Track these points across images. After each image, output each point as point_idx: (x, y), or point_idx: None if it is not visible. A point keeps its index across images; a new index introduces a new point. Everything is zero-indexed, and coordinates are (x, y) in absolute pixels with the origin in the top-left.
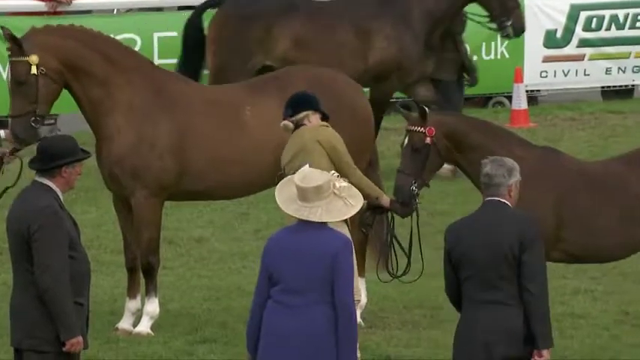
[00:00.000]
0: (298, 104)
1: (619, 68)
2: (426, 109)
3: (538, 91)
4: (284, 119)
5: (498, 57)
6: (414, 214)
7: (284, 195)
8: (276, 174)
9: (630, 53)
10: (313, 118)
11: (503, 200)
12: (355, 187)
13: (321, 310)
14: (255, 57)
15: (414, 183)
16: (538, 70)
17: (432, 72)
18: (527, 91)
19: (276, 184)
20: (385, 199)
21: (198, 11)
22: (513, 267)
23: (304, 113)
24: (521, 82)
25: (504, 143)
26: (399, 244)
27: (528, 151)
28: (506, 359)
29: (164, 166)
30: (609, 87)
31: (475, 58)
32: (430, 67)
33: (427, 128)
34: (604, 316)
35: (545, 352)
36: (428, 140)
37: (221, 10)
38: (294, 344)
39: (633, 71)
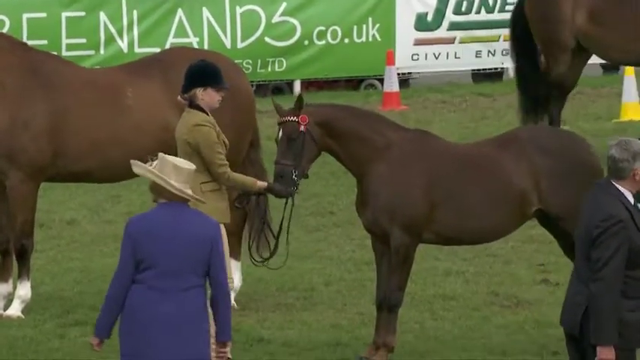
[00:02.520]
0: (189, 80)
1: (489, 51)
2: (302, 98)
3: (409, 73)
4: (179, 94)
5: (370, 40)
6: (290, 202)
7: (164, 173)
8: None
9: (500, 36)
10: (204, 95)
11: (615, 183)
12: (229, 185)
13: (196, 292)
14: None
15: (294, 172)
16: (409, 53)
17: None
18: (398, 74)
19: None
20: (261, 184)
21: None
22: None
23: (192, 92)
24: (393, 64)
25: (376, 127)
26: (271, 230)
27: (400, 134)
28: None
29: (39, 147)
30: (479, 70)
31: (346, 41)
32: None
33: (300, 117)
34: (475, 297)
35: (599, 349)
36: (302, 128)
37: None
38: (171, 328)
39: (503, 54)
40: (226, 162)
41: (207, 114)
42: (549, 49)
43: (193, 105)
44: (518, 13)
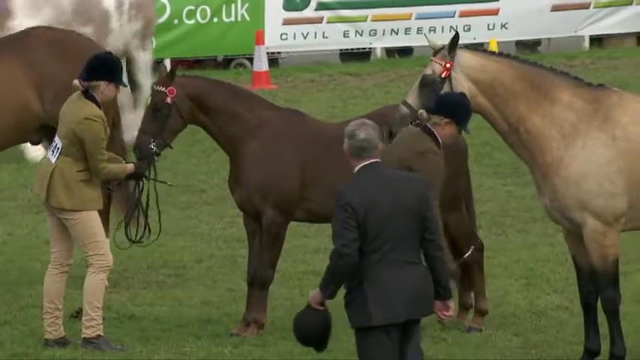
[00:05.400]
0: (93, 71)
1: (356, 31)
2: (175, 70)
3: (279, 53)
4: (78, 78)
5: (239, 19)
6: (153, 174)
7: None
8: (18, 135)
9: (367, 17)
10: (107, 90)
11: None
12: (106, 178)
13: None
14: None
15: (153, 142)
16: (278, 32)
17: None
18: (267, 53)
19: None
20: (130, 167)
21: None
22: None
23: (96, 83)
24: (262, 44)
25: (248, 105)
26: (142, 209)
27: (272, 113)
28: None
29: None
30: (347, 50)
31: (215, 20)
32: None
33: (168, 88)
34: None
35: (448, 303)
36: (168, 100)
37: None
38: None
39: (370, 34)
40: (106, 157)
41: (100, 107)
42: None
43: (88, 95)
44: None
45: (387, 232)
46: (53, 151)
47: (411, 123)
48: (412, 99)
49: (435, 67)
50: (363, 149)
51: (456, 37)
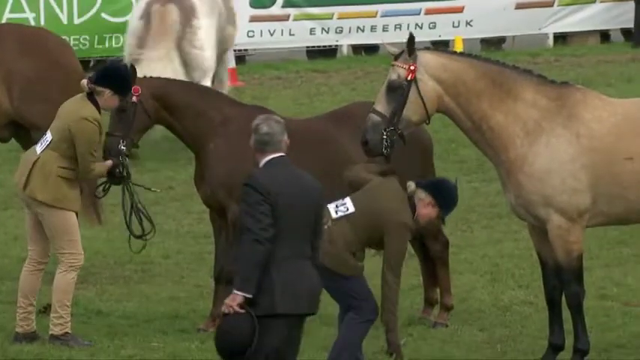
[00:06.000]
0: (104, 77)
1: (323, 29)
2: (136, 69)
3: (245, 50)
4: (87, 79)
5: None
6: (126, 174)
7: None
8: None
9: (333, 14)
10: (110, 99)
11: (276, 156)
12: (92, 178)
13: None
14: None
15: (122, 142)
16: (245, 29)
17: None
18: (234, 50)
19: None
20: (108, 163)
21: None
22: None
23: (102, 89)
24: None
25: (214, 102)
26: (142, 212)
27: (238, 110)
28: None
29: None
30: (314, 47)
31: None
32: None
33: (133, 87)
34: None
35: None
36: (134, 99)
37: None
38: None
39: (336, 32)
40: (95, 161)
41: (100, 111)
42: None
43: (92, 97)
44: None
45: (294, 224)
46: (42, 143)
47: (384, 130)
48: (381, 106)
49: (400, 72)
50: (265, 143)
51: (411, 38)
